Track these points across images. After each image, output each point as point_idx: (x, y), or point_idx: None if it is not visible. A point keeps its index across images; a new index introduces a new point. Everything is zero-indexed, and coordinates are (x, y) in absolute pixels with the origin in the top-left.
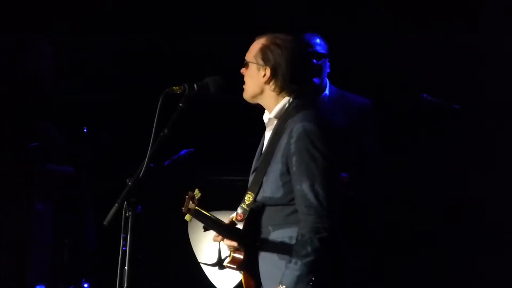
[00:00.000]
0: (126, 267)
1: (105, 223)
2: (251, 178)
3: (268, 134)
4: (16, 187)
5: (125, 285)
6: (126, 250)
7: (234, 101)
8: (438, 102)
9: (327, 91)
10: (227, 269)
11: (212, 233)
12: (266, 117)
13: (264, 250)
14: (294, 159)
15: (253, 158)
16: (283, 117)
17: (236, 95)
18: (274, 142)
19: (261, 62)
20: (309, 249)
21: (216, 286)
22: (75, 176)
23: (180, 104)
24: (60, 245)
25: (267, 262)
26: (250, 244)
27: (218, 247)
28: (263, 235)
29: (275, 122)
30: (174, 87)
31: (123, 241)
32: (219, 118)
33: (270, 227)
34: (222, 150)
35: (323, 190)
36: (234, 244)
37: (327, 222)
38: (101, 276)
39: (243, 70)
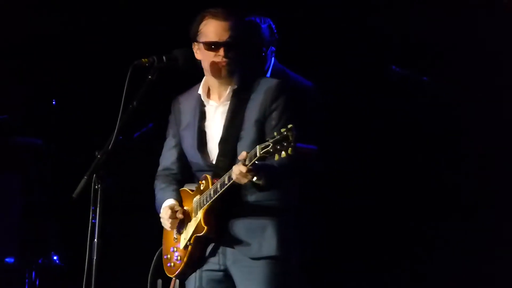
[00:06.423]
0: (95, 240)
1: (74, 195)
2: (203, 152)
3: (222, 108)
4: None
5: (95, 257)
6: (95, 223)
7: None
8: (406, 74)
9: (268, 73)
10: None
11: None
12: (223, 91)
13: (239, 214)
14: (275, 113)
15: None
16: (245, 86)
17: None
18: (241, 108)
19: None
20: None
21: None
22: (43, 148)
23: (149, 76)
24: (29, 217)
25: (243, 223)
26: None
27: None
28: (239, 199)
29: (230, 93)
30: (143, 59)
31: (92, 214)
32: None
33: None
34: None
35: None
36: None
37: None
38: (70, 249)
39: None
